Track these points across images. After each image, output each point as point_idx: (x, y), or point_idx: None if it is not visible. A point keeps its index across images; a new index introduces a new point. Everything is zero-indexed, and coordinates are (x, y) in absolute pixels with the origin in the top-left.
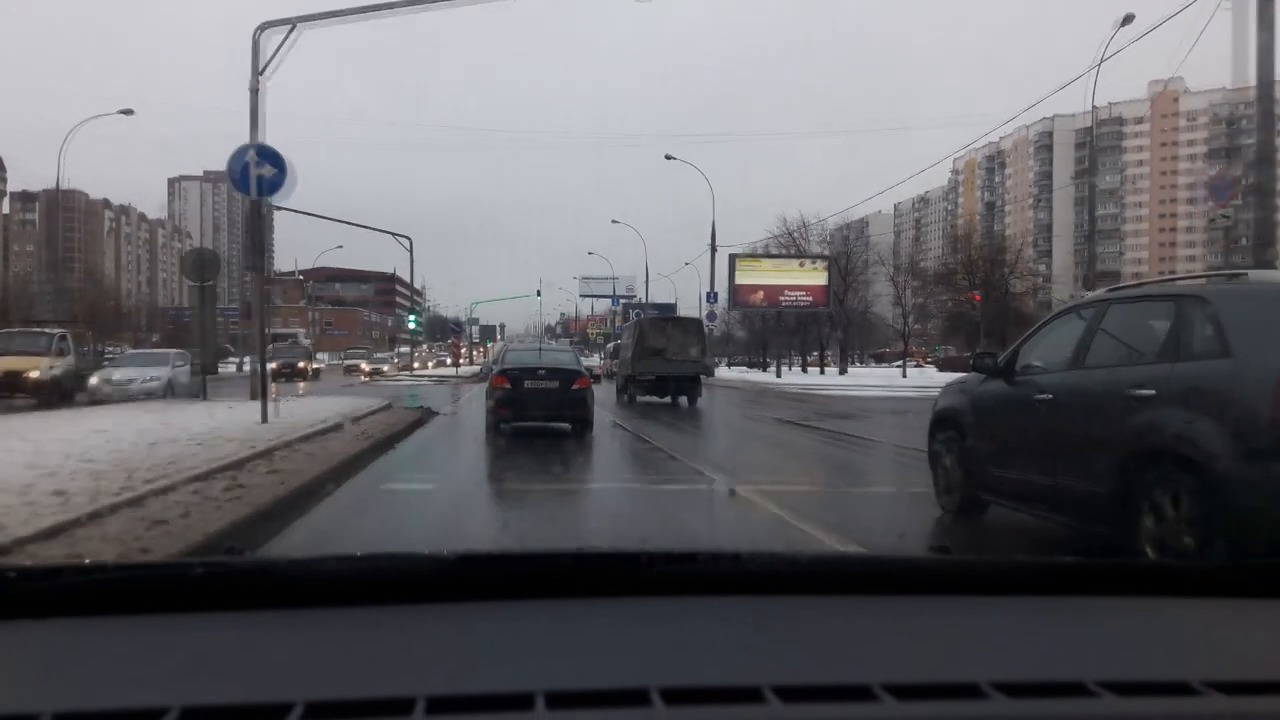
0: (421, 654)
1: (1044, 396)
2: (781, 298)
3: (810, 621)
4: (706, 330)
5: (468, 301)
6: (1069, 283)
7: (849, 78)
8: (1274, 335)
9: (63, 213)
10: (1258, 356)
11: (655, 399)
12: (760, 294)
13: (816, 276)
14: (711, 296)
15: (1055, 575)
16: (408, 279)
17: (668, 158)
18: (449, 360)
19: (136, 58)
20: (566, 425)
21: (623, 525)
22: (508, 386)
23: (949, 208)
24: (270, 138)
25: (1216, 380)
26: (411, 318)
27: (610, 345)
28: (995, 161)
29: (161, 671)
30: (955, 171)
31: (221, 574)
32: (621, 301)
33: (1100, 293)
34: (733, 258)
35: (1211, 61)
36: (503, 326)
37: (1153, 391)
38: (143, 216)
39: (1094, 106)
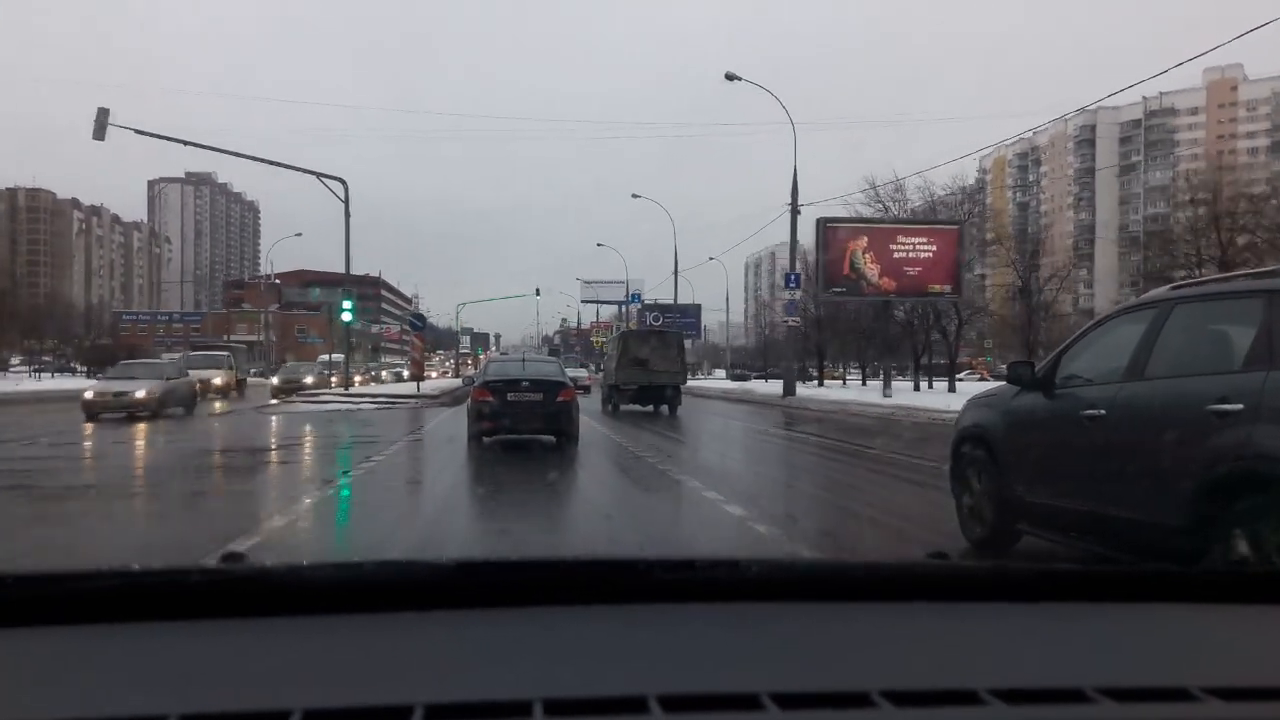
0: (419, 661)
1: (1094, 412)
2: (893, 247)
3: (808, 628)
4: (793, 324)
5: (469, 311)
6: (1114, 287)
7: (853, 72)
8: None
9: (26, 213)
10: None
11: (638, 407)
12: (863, 242)
13: (944, 229)
14: (792, 280)
15: (1053, 581)
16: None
17: (729, 77)
18: (406, 374)
19: (122, 56)
20: (551, 438)
21: None
22: (490, 399)
23: (974, 209)
24: (265, 133)
25: None
26: (346, 304)
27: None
28: (1029, 158)
29: (159, 679)
30: (982, 171)
31: (219, 581)
32: (640, 300)
33: (1161, 291)
34: (823, 223)
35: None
36: (498, 337)
37: (1239, 406)
38: (116, 219)
39: None
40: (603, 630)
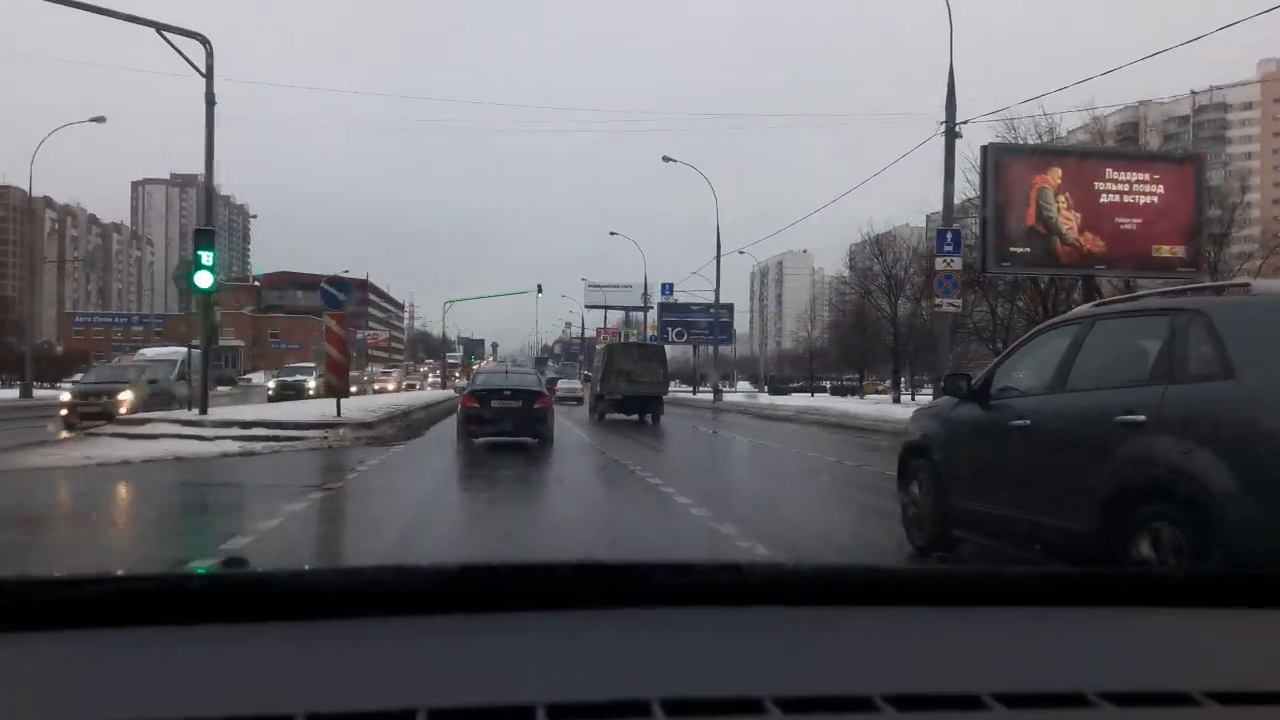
0: (422, 666)
1: (1020, 423)
2: (1099, 186)
3: (811, 632)
4: (951, 308)
5: (466, 318)
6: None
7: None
8: None
9: None
10: (1264, 377)
11: (623, 416)
12: (1054, 178)
13: (1174, 165)
14: (948, 240)
15: (1054, 585)
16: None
17: None
18: (310, 383)
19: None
20: (530, 440)
21: None
22: (477, 405)
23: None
24: (263, 130)
25: (1217, 404)
26: (203, 257)
27: None
28: None
29: (161, 684)
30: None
31: (221, 585)
32: (671, 292)
33: (1085, 308)
34: (993, 150)
35: None
36: (495, 345)
37: (1143, 417)
38: (93, 219)
39: None
40: (605, 634)
